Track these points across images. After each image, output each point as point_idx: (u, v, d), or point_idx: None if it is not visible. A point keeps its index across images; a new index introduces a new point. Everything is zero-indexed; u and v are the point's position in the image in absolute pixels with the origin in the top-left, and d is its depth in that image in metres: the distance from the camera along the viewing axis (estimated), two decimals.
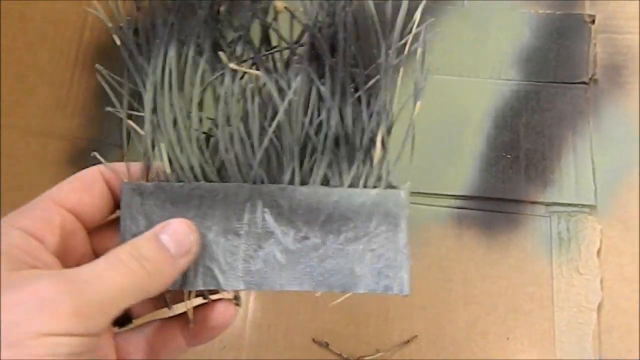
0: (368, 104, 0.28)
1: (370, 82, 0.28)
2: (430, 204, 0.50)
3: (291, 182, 0.28)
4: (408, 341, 0.46)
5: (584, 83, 0.52)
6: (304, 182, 0.28)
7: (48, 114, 0.50)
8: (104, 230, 0.28)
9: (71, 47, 0.51)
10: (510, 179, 0.50)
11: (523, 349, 0.46)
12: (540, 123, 0.52)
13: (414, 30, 0.28)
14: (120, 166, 0.28)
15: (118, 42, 0.29)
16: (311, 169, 0.28)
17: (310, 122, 0.28)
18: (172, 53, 0.28)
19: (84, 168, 0.50)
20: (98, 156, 0.29)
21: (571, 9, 0.54)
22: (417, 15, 0.28)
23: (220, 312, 0.28)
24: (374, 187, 0.28)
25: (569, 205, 0.49)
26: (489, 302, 0.47)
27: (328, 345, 0.46)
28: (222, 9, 0.29)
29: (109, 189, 0.27)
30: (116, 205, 0.28)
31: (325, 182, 0.28)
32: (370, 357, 0.45)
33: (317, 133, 0.28)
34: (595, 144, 0.51)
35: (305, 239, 0.27)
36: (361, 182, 0.28)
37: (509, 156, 0.51)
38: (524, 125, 0.52)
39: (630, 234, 0.49)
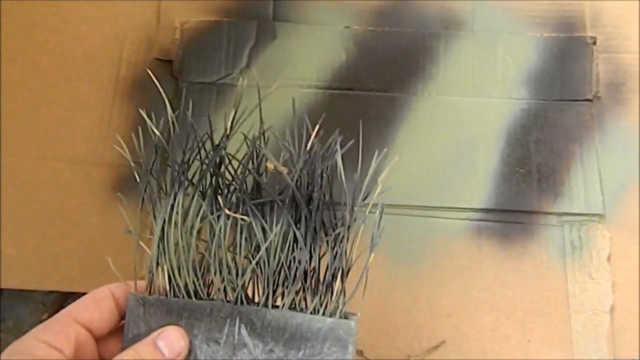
0: (333, 248, 0.35)
1: (336, 232, 0.35)
2: (451, 217, 0.53)
3: (265, 303, 0.34)
4: (436, 347, 0.49)
5: (588, 100, 0.56)
6: (275, 304, 0.35)
7: (91, 144, 0.53)
8: (109, 338, 0.34)
9: (110, 80, 0.55)
10: (524, 192, 0.54)
11: (543, 351, 0.49)
12: (549, 139, 0.56)
13: (374, 200, 0.35)
14: (130, 283, 0.35)
15: (137, 179, 0.36)
16: (282, 294, 0.35)
17: (286, 257, 0.34)
18: (180, 196, 0.35)
19: (126, 194, 0.53)
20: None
21: (574, 32, 0.58)
22: (379, 185, 0.35)
23: None
24: (331, 315, 0.34)
25: (579, 214, 0.53)
26: (509, 307, 0.51)
27: (362, 352, 0.49)
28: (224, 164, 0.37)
29: (116, 304, 0.34)
30: (121, 317, 0.34)
31: (293, 305, 0.34)
32: None
33: (290, 266, 0.35)
34: (601, 156, 0.55)
35: (272, 352, 0.33)
36: (321, 310, 0.34)
37: (521, 171, 0.55)
38: (535, 142, 0.55)
39: (637, 240, 0.52)
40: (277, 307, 0.34)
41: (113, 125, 0.54)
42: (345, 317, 0.34)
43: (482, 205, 0.54)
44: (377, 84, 0.57)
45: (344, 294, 0.34)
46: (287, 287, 0.34)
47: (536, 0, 0.60)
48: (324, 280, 0.34)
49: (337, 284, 0.34)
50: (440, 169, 0.55)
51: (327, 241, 0.35)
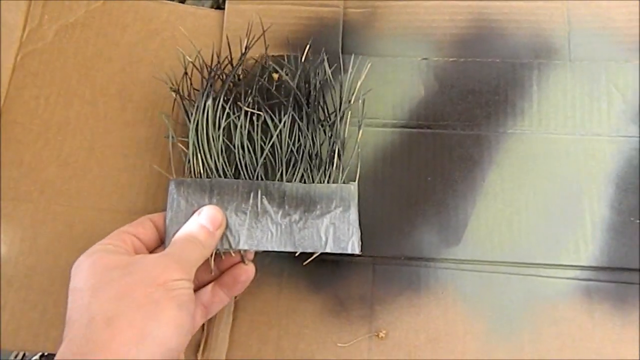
0: (329, 134, 0.46)
1: (331, 121, 0.47)
2: (555, 276, 0.46)
3: (280, 179, 0.44)
4: None
5: None
6: (289, 180, 0.44)
7: (150, 192, 0.50)
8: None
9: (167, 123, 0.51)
10: None
11: None
12: None
13: (357, 90, 0.48)
14: (160, 215, 0.43)
15: (174, 96, 0.48)
16: (294, 172, 0.44)
17: (294, 144, 0.45)
18: (209, 101, 0.45)
19: None
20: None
21: None
22: (361, 79, 0.48)
23: (244, 271, 0.42)
24: (334, 182, 0.44)
25: None
26: None
27: None
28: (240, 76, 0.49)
29: (155, 226, 0.42)
30: (161, 241, 0.42)
31: (303, 181, 0.44)
32: None
33: (297, 150, 0.45)
34: None
35: (289, 215, 0.42)
36: (325, 180, 0.44)
37: (637, 221, 0.46)
38: None
39: None
40: (290, 181, 0.43)
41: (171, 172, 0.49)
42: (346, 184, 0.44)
43: (591, 263, 0.46)
44: (461, 121, 0.51)
45: (342, 167, 0.45)
46: (295, 167, 0.44)
47: None
48: (325, 158, 0.45)
49: (335, 159, 0.44)
50: (539, 218, 0.47)
51: (324, 130, 0.46)
